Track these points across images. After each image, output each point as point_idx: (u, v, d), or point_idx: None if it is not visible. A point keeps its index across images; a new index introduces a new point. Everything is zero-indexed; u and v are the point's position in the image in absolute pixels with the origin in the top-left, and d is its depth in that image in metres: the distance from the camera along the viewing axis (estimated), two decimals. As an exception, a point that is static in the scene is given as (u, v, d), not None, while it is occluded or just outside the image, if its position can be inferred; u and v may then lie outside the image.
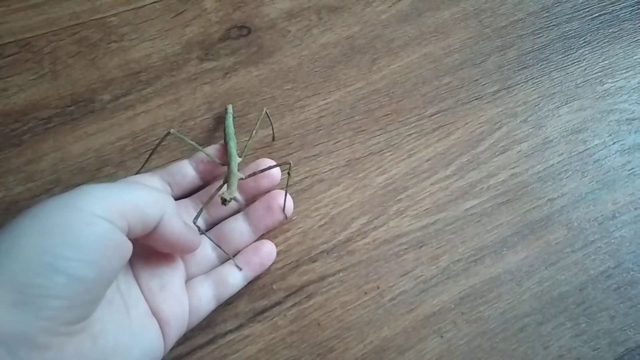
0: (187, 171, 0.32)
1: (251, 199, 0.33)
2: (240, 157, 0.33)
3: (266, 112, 0.35)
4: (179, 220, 0.27)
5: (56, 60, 0.39)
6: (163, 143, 0.35)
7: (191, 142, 0.32)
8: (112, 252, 0.23)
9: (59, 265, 0.21)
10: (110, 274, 0.23)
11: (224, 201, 0.29)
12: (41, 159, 0.35)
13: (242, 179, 0.31)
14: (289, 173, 0.32)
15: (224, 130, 0.34)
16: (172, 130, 0.32)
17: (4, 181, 0.34)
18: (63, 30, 0.40)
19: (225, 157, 0.33)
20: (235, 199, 0.30)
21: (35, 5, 0.41)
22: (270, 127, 0.37)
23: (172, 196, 0.32)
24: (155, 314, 0.27)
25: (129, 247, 0.24)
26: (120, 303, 0.26)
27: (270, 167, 0.32)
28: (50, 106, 0.37)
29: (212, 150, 0.34)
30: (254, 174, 0.32)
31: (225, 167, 0.33)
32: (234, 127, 0.35)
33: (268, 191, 0.33)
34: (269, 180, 0.33)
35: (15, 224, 0.22)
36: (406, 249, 0.34)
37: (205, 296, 0.29)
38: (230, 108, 0.36)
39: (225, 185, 0.31)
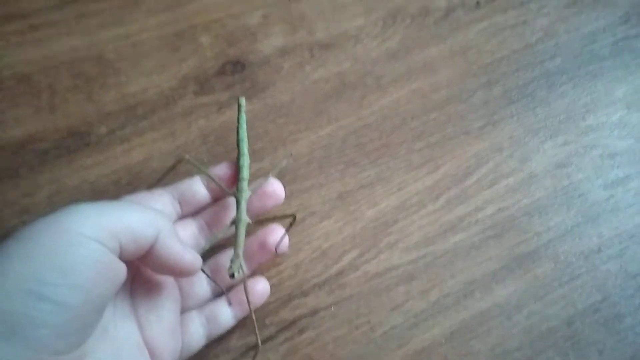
0: (197, 189, 0.32)
1: (254, 217, 0.33)
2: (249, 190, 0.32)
3: (288, 162, 0.36)
4: (175, 240, 0.26)
5: (54, 94, 0.40)
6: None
7: (205, 170, 0.32)
8: (103, 275, 0.22)
9: (44, 292, 0.20)
10: (101, 299, 0.22)
11: (232, 276, 0.28)
12: (37, 192, 0.36)
13: (249, 223, 0.31)
14: (291, 224, 0.32)
15: (237, 142, 0.33)
16: (186, 156, 0.32)
17: (-1, 214, 0.35)
18: (61, 65, 0.41)
19: (235, 178, 0.33)
20: (242, 269, 0.29)
21: (34, 40, 0.42)
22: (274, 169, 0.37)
23: (181, 215, 0.32)
24: (148, 346, 0.26)
25: (121, 269, 0.23)
26: (114, 332, 0.25)
27: (275, 217, 0.32)
28: (47, 139, 0.38)
29: (224, 168, 0.33)
30: (260, 221, 0.32)
31: (233, 190, 0.32)
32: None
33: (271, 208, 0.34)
34: (273, 200, 0.33)
35: (2, 249, 0.21)
36: (397, 282, 0.34)
37: (197, 333, 0.29)
38: (243, 102, 0.34)
39: (233, 248, 0.30)
